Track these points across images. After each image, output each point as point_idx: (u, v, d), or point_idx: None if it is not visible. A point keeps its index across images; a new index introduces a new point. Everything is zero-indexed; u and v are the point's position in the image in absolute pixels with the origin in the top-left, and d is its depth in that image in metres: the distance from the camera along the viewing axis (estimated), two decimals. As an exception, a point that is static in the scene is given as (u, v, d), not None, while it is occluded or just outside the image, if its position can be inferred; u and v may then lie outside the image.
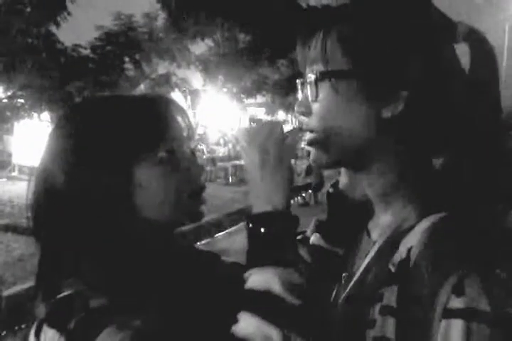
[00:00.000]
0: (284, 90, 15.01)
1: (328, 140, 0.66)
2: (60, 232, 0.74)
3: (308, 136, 0.69)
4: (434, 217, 0.61)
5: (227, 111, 18.45)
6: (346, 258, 0.76)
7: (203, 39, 13.75)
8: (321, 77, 0.65)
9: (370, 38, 0.62)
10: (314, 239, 0.85)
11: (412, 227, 0.61)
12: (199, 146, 12.70)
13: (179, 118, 0.83)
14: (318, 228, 0.85)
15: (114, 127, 0.76)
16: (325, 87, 0.65)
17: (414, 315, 0.54)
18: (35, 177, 0.76)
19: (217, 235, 7.50)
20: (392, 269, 0.59)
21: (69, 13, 8.19)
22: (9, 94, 9.15)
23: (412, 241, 0.59)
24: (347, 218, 0.80)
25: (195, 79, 15.52)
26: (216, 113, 17.92)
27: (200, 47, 14.42)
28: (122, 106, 0.80)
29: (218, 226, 7.73)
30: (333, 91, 0.64)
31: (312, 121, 0.68)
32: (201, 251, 0.92)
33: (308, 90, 0.67)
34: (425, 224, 0.61)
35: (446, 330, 0.51)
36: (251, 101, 18.21)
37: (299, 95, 0.72)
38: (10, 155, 12.76)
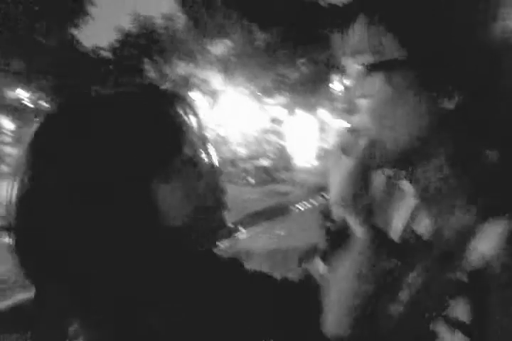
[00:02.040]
0: (304, 89, 14.93)
1: (382, 139, 0.60)
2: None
3: (357, 135, 0.63)
4: (502, 219, 0.54)
5: (247, 112, 18.45)
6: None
7: (222, 39, 13.81)
8: (371, 69, 0.58)
9: (428, 20, 0.55)
10: (322, 269, 0.77)
11: (475, 231, 0.55)
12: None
13: (194, 120, 0.72)
14: (323, 258, 0.77)
15: (126, 136, 0.64)
16: (375, 80, 0.58)
17: (492, 333, 0.49)
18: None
19: (238, 235, 7.47)
20: (464, 278, 0.53)
21: (89, 16, 8.30)
22: (29, 95, 9.28)
23: (484, 247, 0.53)
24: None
25: (215, 79, 15.58)
26: (236, 113, 17.94)
27: (219, 48, 14.48)
28: (131, 107, 0.67)
29: (239, 226, 7.70)
30: (387, 84, 0.57)
31: (362, 119, 0.61)
32: (223, 258, 0.84)
33: (354, 84, 0.60)
34: (495, 228, 0.54)
35: None
36: (271, 101, 18.19)
37: (338, 90, 0.65)
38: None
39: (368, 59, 0.58)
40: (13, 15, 6.85)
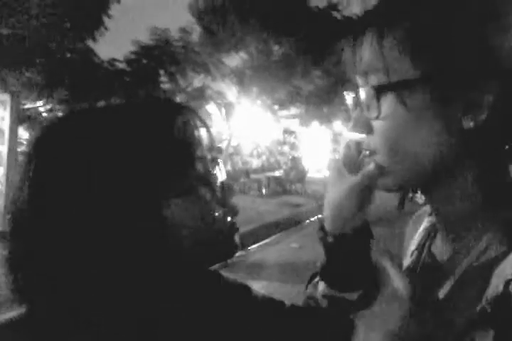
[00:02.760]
0: (318, 101, 14.93)
1: (395, 162, 0.56)
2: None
3: (370, 157, 0.59)
4: None
5: (261, 123, 18.47)
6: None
7: (237, 52, 13.89)
8: (383, 90, 0.54)
9: (442, 35, 0.51)
10: (322, 288, 0.72)
11: (503, 254, 0.50)
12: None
13: (206, 134, 0.68)
14: (323, 275, 0.72)
15: (136, 147, 0.60)
16: (389, 102, 0.54)
17: None
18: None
19: (251, 247, 7.43)
20: (487, 308, 0.48)
21: (106, 28, 8.41)
22: (48, 107, 9.42)
23: (510, 271, 0.48)
24: (356, 260, 0.67)
25: (230, 91, 15.65)
26: (250, 125, 17.97)
27: (234, 60, 14.55)
28: (142, 118, 0.63)
29: (252, 238, 7.66)
30: (401, 106, 0.53)
31: (375, 142, 0.57)
32: (230, 283, 0.78)
33: (367, 106, 0.56)
34: None
35: None
36: (285, 112, 18.18)
37: (353, 111, 0.60)
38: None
39: (380, 79, 0.54)
40: (31, 26, 6.97)
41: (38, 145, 0.62)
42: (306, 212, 10.11)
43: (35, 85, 7.86)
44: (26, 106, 9.39)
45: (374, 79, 0.55)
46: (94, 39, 8.49)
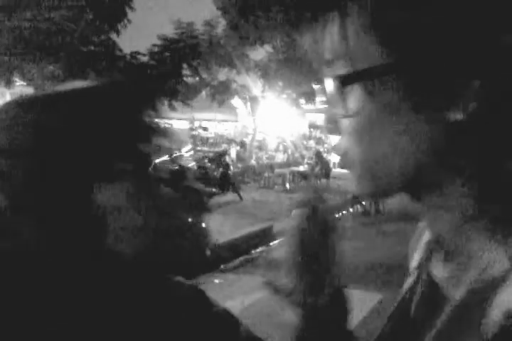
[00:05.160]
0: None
1: (369, 166, 0.47)
2: None
3: (341, 160, 0.51)
4: None
5: (286, 117, 18.38)
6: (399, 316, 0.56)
7: (262, 45, 13.82)
8: (348, 81, 0.44)
9: (419, 8, 0.41)
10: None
11: (502, 278, 0.42)
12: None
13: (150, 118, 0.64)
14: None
15: (66, 132, 0.58)
16: (355, 95, 0.45)
17: None
18: None
19: (272, 243, 7.36)
20: (488, 335, 0.39)
21: (129, 21, 8.44)
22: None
23: (510, 299, 0.39)
24: None
25: (255, 85, 15.62)
26: (275, 119, 17.90)
27: (259, 54, 14.51)
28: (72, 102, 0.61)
29: (274, 234, 7.59)
30: (369, 98, 0.44)
31: (344, 143, 0.49)
32: (183, 286, 0.73)
33: (334, 101, 0.47)
34: None
35: None
36: (310, 106, 18.06)
37: (326, 107, 0.51)
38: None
39: (343, 67, 0.45)
40: (53, 21, 7.03)
41: None
42: (330, 208, 9.97)
43: (57, 78, 7.91)
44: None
45: (337, 69, 0.46)
46: (117, 32, 8.52)
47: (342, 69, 0.45)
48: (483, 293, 0.42)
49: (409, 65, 0.42)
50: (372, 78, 0.43)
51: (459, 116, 0.42)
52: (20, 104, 0.61)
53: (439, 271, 0.52)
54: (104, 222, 0.58)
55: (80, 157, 0.57)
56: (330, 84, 0.47)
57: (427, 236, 0.59)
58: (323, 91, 0.49)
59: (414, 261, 0.61)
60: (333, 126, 0.50)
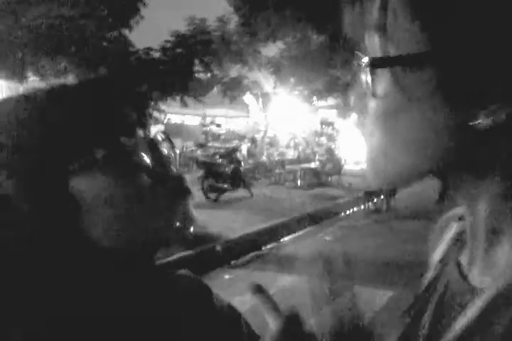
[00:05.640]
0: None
1: (385, 158, 0.46)
2: None
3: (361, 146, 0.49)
4: None
5: (298, 114, 18.30)
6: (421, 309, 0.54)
7: (274, 41, 13.75)
8: (377, 65, 0.43)
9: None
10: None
11: None
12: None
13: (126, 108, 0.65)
14: None
15: (35, 120, 0.59)
16: (384, 80, 0.44)
17: None
18: None
19: (283, 239, 7.34)
20: None
21: (141, 16, 8.43)
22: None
23: None
24: None
25: (267, 82, 15.55)
26: (287, 115, 17.82)
27: (271, 50, 14.44)
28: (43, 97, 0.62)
29: (286, 230, 7.58)
30: (396, 87, 0.43)
31: (366, 126, 0.47)
32: (183, 278, 0.73)
33: (364, 82, 0.46)
34: None
35: None
36: (322, 103, 17.95)
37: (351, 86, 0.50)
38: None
39: (378, 50, 0.44)
40: (65, 16, 7.04)
41: None
42: (341, 205, 9.93)
43: (70, 73, 7.95)
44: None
45: (372, 51, 0.45)
46: (129, 27, 8.52)
47: (372, 52, 0.45)
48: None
49: (443, 58, 0.40)
50: (404, 65, 0.42)
51: (488, 121, 0.40)
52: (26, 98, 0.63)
53: (470, 266, 0.50)
54: (86, 212, 0.58)
55: (62, 145, 0.58)
56: (362, 64, 0.46)
57: (454, 229, 0.58)
58: (353, 72, 0.48)
59: (437, 256, 0.59)
60: (361, 105, 0.48)
